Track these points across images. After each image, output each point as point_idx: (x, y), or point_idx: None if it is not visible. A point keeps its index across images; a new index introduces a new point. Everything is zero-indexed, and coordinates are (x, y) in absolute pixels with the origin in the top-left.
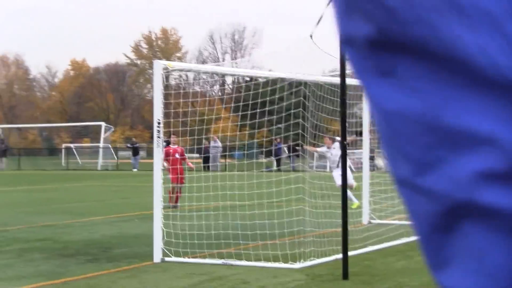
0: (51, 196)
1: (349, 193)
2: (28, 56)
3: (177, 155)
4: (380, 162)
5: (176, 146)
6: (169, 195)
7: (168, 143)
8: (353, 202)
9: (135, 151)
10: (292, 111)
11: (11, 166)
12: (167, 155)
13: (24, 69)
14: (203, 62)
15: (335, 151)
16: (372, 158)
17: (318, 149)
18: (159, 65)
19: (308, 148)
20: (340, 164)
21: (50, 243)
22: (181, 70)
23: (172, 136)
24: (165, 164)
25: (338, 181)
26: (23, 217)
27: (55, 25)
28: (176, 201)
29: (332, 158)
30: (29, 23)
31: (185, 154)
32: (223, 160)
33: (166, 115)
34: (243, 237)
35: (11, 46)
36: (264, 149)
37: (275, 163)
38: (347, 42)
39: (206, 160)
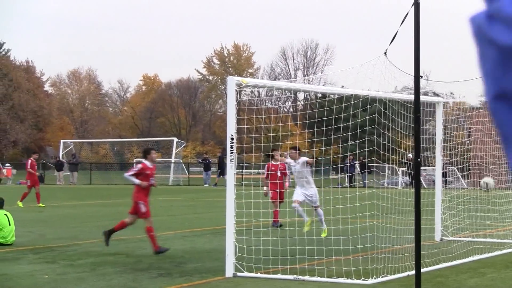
0: (122, 210)
1: (300, 210)
2: (100, 71)
3: (278, 173)
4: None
5: (278, 162)
6: (274, 213)
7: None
8: (305, 221)
9: (207, 167)
10: (367, 128)
11: (83, 181)
12: (268, 171)
13: (96, 84)
14: (275, 78)
15: (299, 166)
16: (444, 175)
17: (287, 160)
18: (233, 81)
19: (277, 156)
20: (304, 183)
21: (123, 257)
22: (254, 86)
23: (275, 152)
24: (265, 188)
25: (296, 198)
26: (95, 231)
27: (127, 40)
28: (276, 217)
29: (296, 175)
30: (102, 39)
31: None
32: (293, 176)
33: (239, 131)
34: (317, 253)
35: (84, 61)
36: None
37: (347, 179)
38: (500, 97)
39: None
